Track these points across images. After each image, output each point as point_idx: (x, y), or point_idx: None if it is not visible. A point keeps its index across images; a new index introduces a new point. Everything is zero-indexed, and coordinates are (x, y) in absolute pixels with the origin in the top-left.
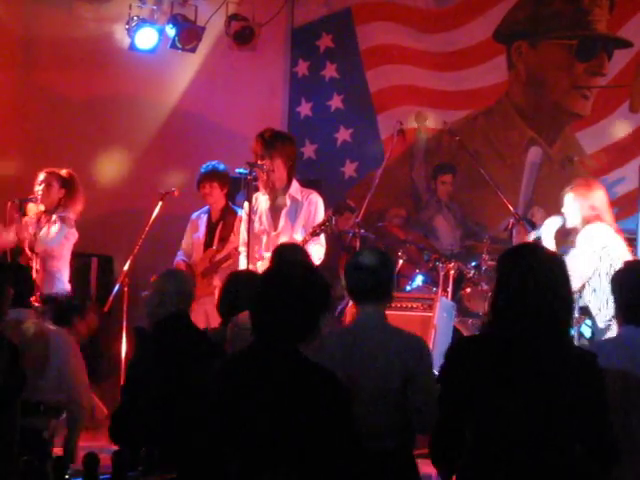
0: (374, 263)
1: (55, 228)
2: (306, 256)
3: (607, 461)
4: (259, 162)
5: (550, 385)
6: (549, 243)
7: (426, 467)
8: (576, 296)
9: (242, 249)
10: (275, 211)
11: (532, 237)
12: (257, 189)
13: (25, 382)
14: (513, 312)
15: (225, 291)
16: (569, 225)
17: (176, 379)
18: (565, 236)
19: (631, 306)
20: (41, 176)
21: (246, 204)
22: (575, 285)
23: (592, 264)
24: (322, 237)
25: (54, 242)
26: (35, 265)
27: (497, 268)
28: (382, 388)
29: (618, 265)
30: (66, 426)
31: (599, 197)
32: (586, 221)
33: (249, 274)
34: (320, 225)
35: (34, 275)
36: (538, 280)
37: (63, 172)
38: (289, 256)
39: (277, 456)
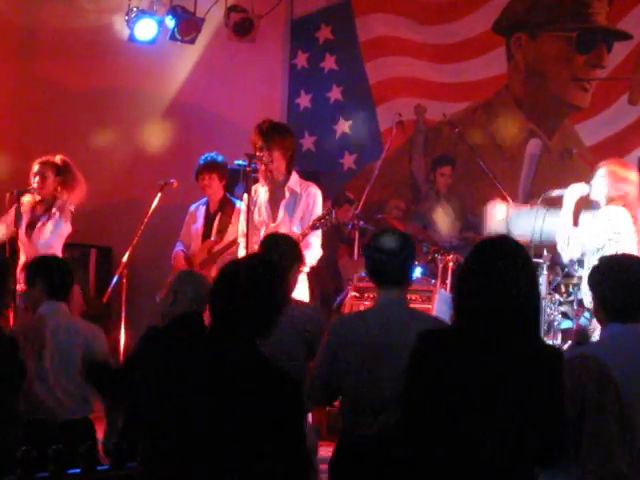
0: (395, 245)
1: (49, 227)
2: (297, 248)
3: (550, 459)
4: (258, 154)
5: (509, 380)
6: (568, 206)
7: None
8: (573, 269)
9: (241, 240)
10: (274, 203)
11: (554, 194)
12: (256, 180)
13: (24, 373)
14: (475, 306)
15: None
16: (592, 197)
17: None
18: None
19: (614, 304)
20: (35, 167)
21: (245, 196)
22: (573, 254)
23: (596, 242)
24: (318, 236)
25: (48, 244)
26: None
27: (464, 261)
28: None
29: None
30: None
31: (631, 179)
32: (610, 199)
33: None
34: (320, 218)
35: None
36: (501, 275)
37: (57, 159)
38: (279, 246)
39: (214, 446)
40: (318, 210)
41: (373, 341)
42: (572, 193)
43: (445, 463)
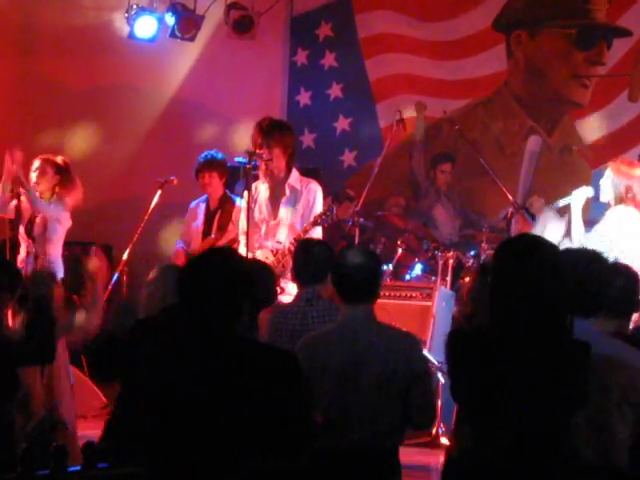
0: (360, 260)
1: (47, 219)
2: (331, 251)
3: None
4: (258, 151)
5: (541, 376)
6: (576, 214)
7: (425, 457)
8: None
9: (241, 238)
10: (274, 200)
11: (561, 204)
12: (257, 178)
13: (17, 380)
14: (509, 305)
15: None
16: (602, 199)
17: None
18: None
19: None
20: (36, 163)
21: (246, 193)
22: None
23: (606, 245)
24: (318, 233)
25: (48, 209)
26: (32, 250)
27: (494, 260)
28: (378, 388)
29: (622, 259)
30: None
31: (635, 175)
32: (619, 200)
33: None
34: (321, 215)
35: (29, 260)
36: (533, 273)
37: (58, 159)
38: (314, 250)
39: (226, 440)
40: (319, 207)
41: (341, 360)
42: (577, 199)
43: (499, 460)
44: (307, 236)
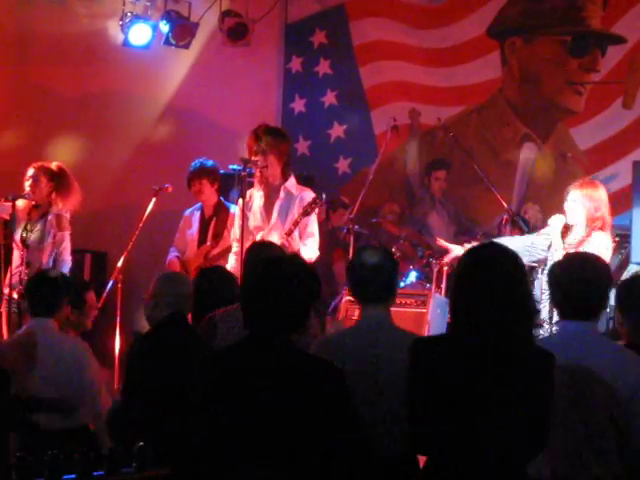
0: (377, 262)
1: (48, 239)
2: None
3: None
4: (253, 158)
5: (504, 382)
6: (557, 240)
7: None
8: None
9: (235, 245)
10: (269, 207)
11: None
12: (251, 185)
13: (8, 381)
14: (471, 313)
15: (198, 289)
16: (570, 222)
17: (173, 379)
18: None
19: (568, 300)
20: (30, 171)
21: (240, 200)
22: None
23: None
24: (316, 232)
25: (65, 262)
26: (25, 259)
27: (457, 268)
28: (393, 388)
29: None
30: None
31: (604, 199)
32: (591, 221)
33: (222, 270)
34: (310, 204)
35: (23, 268)
36: (495, 281)
37: (53, 166)
38: (263, 253)
39: (274, 451)
40: (312, 216)
41: (357, 360)
42: (556, 228)
43: (450, 466)
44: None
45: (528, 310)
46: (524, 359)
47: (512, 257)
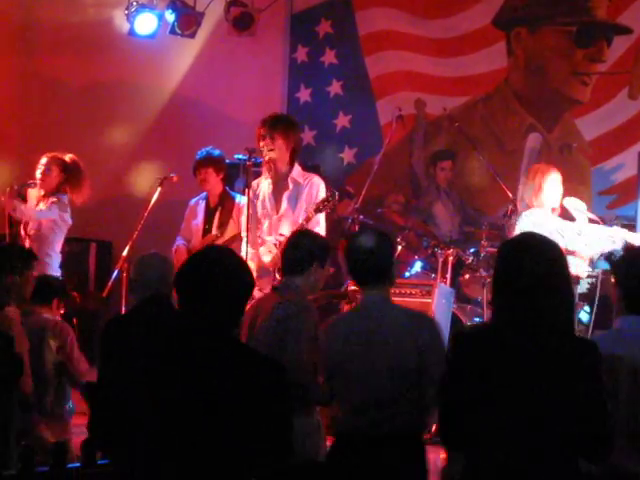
0: (372, 245)
1: (45, 205)
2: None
3: (602, 449)
4: (261, 142)
5: (550, 375)
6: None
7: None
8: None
9: (244, 235)
10: (277, 194)
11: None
12: (257, 175)
13: (21, 370)
14: (513, 304)
15: None
16: (550, 204)
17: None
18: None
19: (633, 296)
20: (43, 160)
21: (247, 190)
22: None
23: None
24: (322, 221)
25: (40, 215)
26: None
27: (497, 259)
28: (397, 369)
29: None
30: None
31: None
32: (537, 198)
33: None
34: (324, 201)
35: None
36: (537, 271)
37: (66, 157)
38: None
39: (196, 439)
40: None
41: (358, 342)
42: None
43: (492, 463)
44: (309, 223)
45: (570, 303)
46: (568, 352)
47: (550, 243)
